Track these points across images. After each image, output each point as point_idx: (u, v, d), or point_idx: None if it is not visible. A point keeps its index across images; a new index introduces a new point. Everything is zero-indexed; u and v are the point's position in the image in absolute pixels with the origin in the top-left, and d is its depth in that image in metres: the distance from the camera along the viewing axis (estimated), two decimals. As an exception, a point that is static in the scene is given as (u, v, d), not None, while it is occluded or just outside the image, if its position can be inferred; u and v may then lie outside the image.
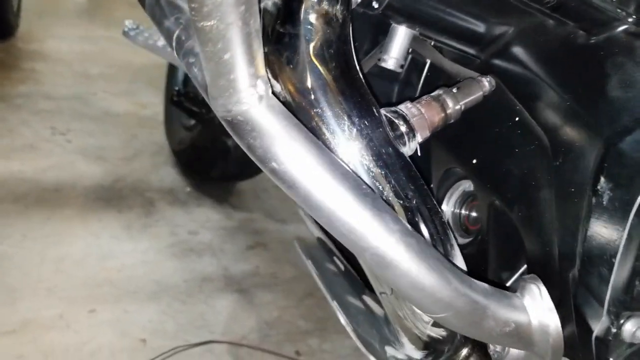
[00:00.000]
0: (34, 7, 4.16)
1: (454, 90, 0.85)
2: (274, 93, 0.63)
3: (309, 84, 0.74)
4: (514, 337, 0.70)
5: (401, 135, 0.79)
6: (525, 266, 0.89)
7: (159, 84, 2.83)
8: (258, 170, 2.50)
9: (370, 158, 0.73)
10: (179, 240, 2.25)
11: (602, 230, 0.67)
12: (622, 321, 0.67)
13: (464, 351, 0.88)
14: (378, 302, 1.08)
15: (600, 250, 0.67)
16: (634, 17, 0.76)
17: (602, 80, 0.73)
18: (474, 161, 0.91)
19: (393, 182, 0.74)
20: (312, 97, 0.73)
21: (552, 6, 0.77)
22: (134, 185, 2.51)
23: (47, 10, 4.43)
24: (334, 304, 1.10)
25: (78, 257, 2.04)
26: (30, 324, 1.72)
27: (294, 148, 0.61)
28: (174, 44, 0.81)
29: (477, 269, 0.86)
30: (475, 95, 0.85)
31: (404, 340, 0.89)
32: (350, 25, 0.77)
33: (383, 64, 0.90)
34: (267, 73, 0.62)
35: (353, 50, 0.78)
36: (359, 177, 0.69)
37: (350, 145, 0.73)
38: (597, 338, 0.69)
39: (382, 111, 0.79)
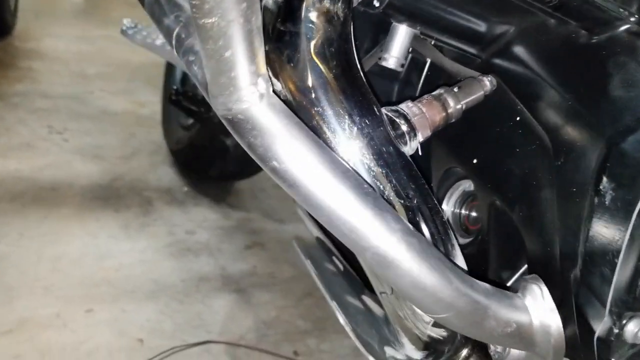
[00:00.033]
0: (31, 6, 4.15)
1: (455, 89, 0.85)
2: (274, 91, 0.62)
3: (309, 82, 0.73)
4: (515, 337, 0.70)
5: (402, 135, 0.78)
6: (525, 266, 0.88)
7: (157, 83, 2.82)
8: (256, 170, 2.52)
9: (371, 157, 0.73)
10: (177, 239, 2.24)
11: (604, 230, 0.67)
12: (624, 321, 0.67)
13: (464, 352, 0.87)
14: (377, 302, 1.08)
15: (603, 250, 0.67)
16: (636, 16, 0.76)
17: (604, 79, 0.73)
18: (475, 161, 0.91)
19: (394, 181, 0.74)
20: (313, 95, 0.73)
21: (554, 5, 0.77)
22: (132, 185, 2.50)
23: (44, 9, 4.42)
24: (333, 304, 1.09)
25: (75, 256, 2.03)
26: (27, 323, 1.71)
27: (295, 147, 0.61)
28: (173, 42, 0.81)
29: (477, 269, 0.86)
30: (477, 95, 0.85)
31: (404, 340, 0.89)
32: (352, 23, 0.77)
33: (384, 63, 0.90)
34: (267, 71, 0.62)
35: (354, 48, 0.77)
36: (360, 176, 0.69)
37: (351, 144, 0.73)
38: (599, 338, 0.69)
39: (383, 110, 0.78)
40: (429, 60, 1.03)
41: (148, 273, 2.04)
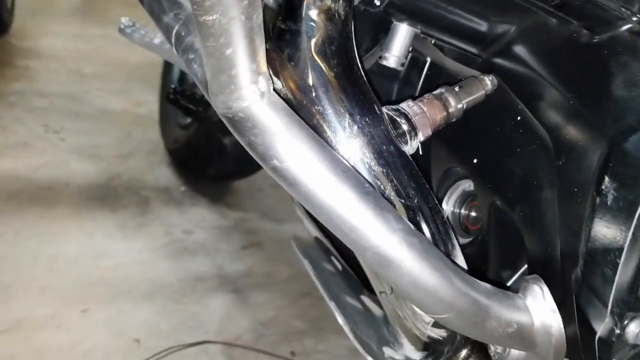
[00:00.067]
0: (28, 5, 4.14)
1: (456, 88, 0.84)
2: (275, 90, 0.62)
3: (310, 81, 0.73)
4: (516, 338, 0.70)
5: (403, 134, 0.78)
6: (525, 266, 0.88)
7: (155, 82, 2.81)
8: (254, 170, 2.51)
9: (372, 156, 0.73)
10: (174, 239, 2.23)
11: (606, 230, 0.67)
12: (625, 322, 0.67)
13: (464, 352, 0.87)
14: (376, 302, 1.07)
15: (604, 250, 0.67)
16: (638, 16, 0.76)
17: (606, 79, 0.73)
18: (475, 160, 0.91)
19: (394, 180, 0.74)
20: (314, 94, 0.73)
21: (556, 4, 0.77)
22: (129, 184, 2.49)
23: (41, 8, 4.41)
24: (332, 304, 1.09)
25: (72, 256, 2.02)
26: (23, 323, 1.70)
27: (296, 146, 0.60)
28: (173, 40, 0.80)
29: (477, 269, 0.85)
30: (478, 94, 0.85)
31: (403, 341, 0.88)
32: (353, 22, 0.76)
33: (384, 62, 0.90)
34: (268, 70, 0.61)
35: (355, 47, 0.77)
36: (361, 175, 0.68)
37: (351, 143, 0.72)
38: (600, 339, 0.68)
39: (384, 109, 0.78)
40: (429, 60, 1.03)
41: (145, 273, 2.03)
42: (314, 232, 1.27)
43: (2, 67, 3.23)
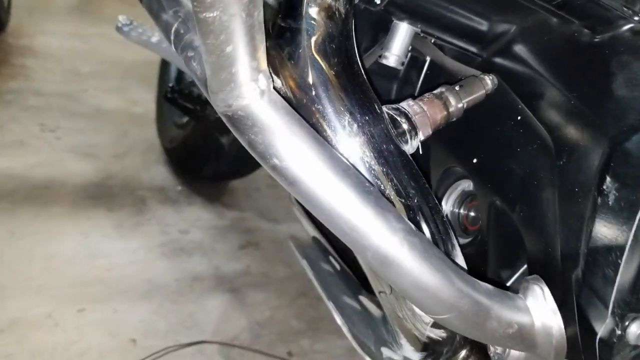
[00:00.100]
0: (25, 3, 4.11)
1: (457, 88, 0.84)
2: (275, 88, 0.61)
3: (310, 79, 0.72)
4: (517, 338, 0.69)
5: (403, 133, 0.78)
6: (525, 266, 0.88)
7: (151, 81, 2.80)
8: (251, 169, 2.50)
9: (372, 155, 0.72)
10: (170, 239, 2.22)
11: (607, 230, 0.66)
12: (627, 323, 0.66)
13: (463, 353, 0.87)
14: (375, 302, 1.07)
15: (606, 251, 0.66)
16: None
17: (608, 79, 0.72)
18: (475, 160, 0.90)
19: (394, 180, 0.73)
20: (313, 93, 0.72)
21: (557, 4, 0.76)
22: (125, 183, 2.48)
23: (38, 6, 4.38)
24: (330, 304, 1.09)
25: (67, 256, 2.01)
26: (18, 323, 1.69)
27: (296, 144, 0.60)
28: (172, 37, 0.79)
29: (476, 270, 0.85)
30: (478, 94, 0.85)
31: (402, 341, 0.88)
32: (353, 20, 0.76)
33: (384, 61, 0.89)
34: (268, 68, 0.61)
35: (355, 46, 0.76)
36: (361, 174, 0.68)
37: (351, 142, 0.72)
38: (601, 340, 0.68)
39: (384, 108, 0.78)
40: (428, 59, 1.03)
41: (141, 273, 2.02)
42: (312, 231, 1.27)
43: (-2, 66, 3.22)
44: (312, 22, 0.72)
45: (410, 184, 0.74)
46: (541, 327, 0.70)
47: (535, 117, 0.80)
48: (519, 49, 0.85)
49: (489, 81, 0.85)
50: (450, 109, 0.82)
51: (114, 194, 2.39)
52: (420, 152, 0.81)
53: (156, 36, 1.47)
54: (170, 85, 2.44)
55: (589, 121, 0.72)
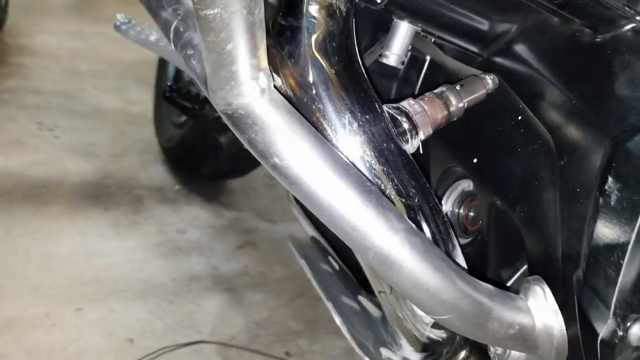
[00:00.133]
0: (22, 2, 4.10)
1: (457, 87, 0.84)
2: (275, 87, 0.61)
3: (310, 78, 0.72)
4: (518, 339, 0.69)
5: (404, 132, 0.77)
6: (525, 267, 0.87)
7: (149, 81, 2.79)
8: (249, 169, 2.50)
9: (372, 155, 0.72)
10: (167, 238, 2.22)
11: (609, 231, 0.66)
12: (629, 324, 0.66)
13: (463, 353, 0.87)
14: (374, 302, 1.06)
15: (608, 251, 0.66)
16: (642, 15, 0.75)
17: (609, 78, 0.72)
18: (475, 160, 0.90)
19: (395, 179, 0.73)
20: (314, 91, 0.72)
21: (558, 3, 0.76)
22: (122, 183, 2.47)
23: (36, 5, 4.38)
24: (329, 305, 1.08)
25: (65, 255, 2.00)
26: (15, 323, 1.68)
27: (297, 143, 0.59)
28: (171, 35, 0.79)
29: (476, 270, 0.85)
30: (479, 93, 0.84)
31: (402, 342, 0.87)
32: (354, 19, 0.75)
33: (384, 60, 0.89)
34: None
35: (356, 44, 0.76)
36: (362, 173, 0.67)
37: (352, 141, 0.71)
38: (602, 341, 0.67)
39: (385, 107, 0.77)
40: (428, 58, 1.02)
41: (138, 272, 2.01)
42: (311, 231, 1.26)
43: (-5, 65, 3.21)
44: (313, 20, 0.72)
45: (410, 184, 0.74)
46: (542, 328, 0.70)
47: (536, 117, 0.79)
48: (520, 48, 0.84)
49: (490, 81, 0.85)
50: (451, 109, 0.82)
51: (111, 193, 2.39)
52: (421, 152, 0.80)
53: (154, 35, 1.46)
54: (169, 84, 2.44)
55: (590, 121, 0.72)
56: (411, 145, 0.78)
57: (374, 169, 0.72)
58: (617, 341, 0.66)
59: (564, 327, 0.70)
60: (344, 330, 1.04)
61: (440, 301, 0.63)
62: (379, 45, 0.95)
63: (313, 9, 0.72)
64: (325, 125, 0.71)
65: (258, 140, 0.60)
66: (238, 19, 0.53)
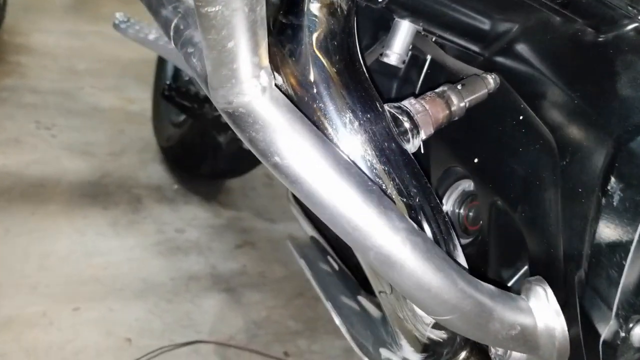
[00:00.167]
0: (20, 1, 4.09)
1: (459, 87, 0.83)
2: (276, 85, 0.60)
3: (311, 77, 0.72)
4: (519, 340, 0.69)
5: (405, 132, 0.77)
6: (526, 267, 0.87)
7: (147, 80, 2.78)
8: (247, 168, 2.49)
9: (374, 154, 0.71)
10: (166, 238, 2.21)
11: (611, 231, 0.66)
12: (631, 325, 0.65)
13: (463, 354, 0.86)
14: (374, 303, 1.06)
15: (610, 251, 0.66)
16: (644, 14, 0.75)
17: (612, 78, 0.72)
18: (476, 160, 0.90)
19: (396, 179, 0.72)
20: (315, 90, 0.71)
21: (561, 2, 0.75)
22: (121, 182, 2.47)
23: (34, 3, 4.36)
24: (328, 305, 1.08)
25: (63, 254, 2.00)
26: (13, 322, 1.68)
27: (298, 142, 0.59)
28: (171, 33, 0.78)
29: (476, 270, 0.84)
30: (480, 93, 0.84)
31: (402, 342, 0.87)
32: (355, 17, 0.75)
33: (385, 59, 0.88)
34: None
35: (357, 43, 0.75)
36: (363, 173, 0.67)
37: (353, 141, 0.71)
38: (604, 342, 0.67)
39: (386, 107, 0.77)
40: (429, 58, 1.02)
41: (136, 271, 2.01)
42: (310, 231, 1.26)
43: (-7, 63, 3.20)
44: (314, 18, 0.72)
45: (412, 183, 0.73)
46: (544, 329, 0.70)
47: (538, 117, 0.79)
48: (522, 48, 0.84)
49: (492, 80, 0.84)
50: (453, 108, 0.82)
51: (110, 192, 2.38)
52: (422, 151, 0.80)
53: (153, 33, 1.46)
54: (168, 83, 2.43)
55: (592, 121, 0.72)
56: (412, 145, 0.78)
57: (375, 169, 0.71)
58: (619, 342, 0.66)
59: (565, 328, 0.70)
60: (343, 330, 1.03)
61: (441, 301, 0.62)
62: (379, 44, 0.95)
63: (314, 7, 0.72)
64: (326, 124, 0.71)
65: (259, 139, 0.59)
66: (239, 16, 0.53)
